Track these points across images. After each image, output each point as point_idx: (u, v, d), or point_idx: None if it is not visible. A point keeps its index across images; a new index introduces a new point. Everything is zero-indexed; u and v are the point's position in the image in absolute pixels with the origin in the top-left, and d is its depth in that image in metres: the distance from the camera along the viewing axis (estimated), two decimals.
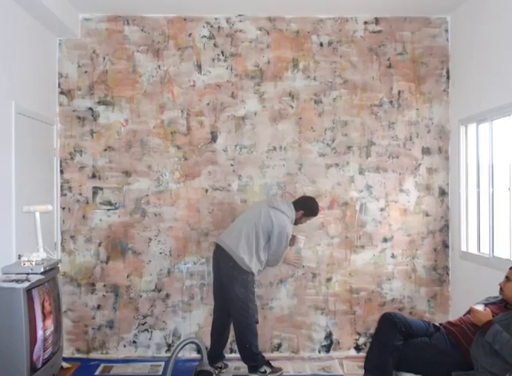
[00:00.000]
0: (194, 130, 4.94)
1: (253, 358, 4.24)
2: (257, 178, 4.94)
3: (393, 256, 4.95)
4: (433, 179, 4.99)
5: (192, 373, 2.68)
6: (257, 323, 4.27)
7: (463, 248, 4.70)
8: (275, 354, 4.90)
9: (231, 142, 4.94)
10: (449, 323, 3.56)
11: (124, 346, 4.90)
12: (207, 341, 4.85)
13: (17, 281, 3.23)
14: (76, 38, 4.90)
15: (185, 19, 4.95)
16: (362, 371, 3.50)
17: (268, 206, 4.30)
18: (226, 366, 4.52)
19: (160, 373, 4.51)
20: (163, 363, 4.71)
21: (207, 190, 4.93)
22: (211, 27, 4.95)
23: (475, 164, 4.57)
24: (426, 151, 4.99)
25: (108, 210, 4.90)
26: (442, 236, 4.98)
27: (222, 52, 4.95)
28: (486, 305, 3.33)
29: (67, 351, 4.81)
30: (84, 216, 4.89)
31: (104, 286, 4.89)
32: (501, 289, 3.33)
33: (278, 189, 4.94)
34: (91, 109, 4.92)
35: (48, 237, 4.39)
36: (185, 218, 4.91)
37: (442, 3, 4.69)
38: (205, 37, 4.95)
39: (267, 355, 4.86)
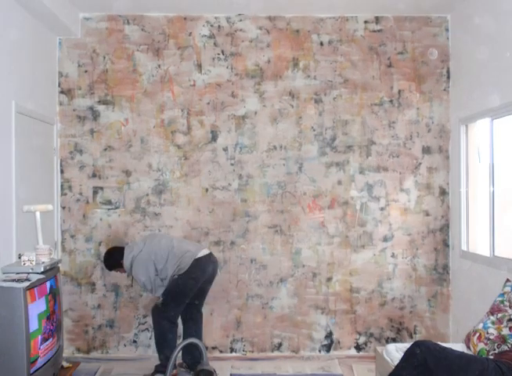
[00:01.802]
0: (194, 129, 4.94)
1: None
2: (258, 177, 4.94)
3: (393, 255, 4.95)
4: (433, 178, 4.98)
5: (192, 372, 2.68)
6: None
7: (464, 248, 4.70)
8: (276, 353, 4.90)
9: (231, 141, 4.94)
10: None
11: (125, 346, 4.90)
12: (206, 341, 4.86)
13: (17, 281, 3.23)
14: (76, 38, 4.90)
15: (185, 19, 4.95)
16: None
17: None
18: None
19: None
20: None
21: (207, 190, 4.93)
22: (211, 26, 4.95)
23: (475, 164, 4.56)
24: (426, 150, 4.98)
25: (108, 209, 4.90)
26: (443, 235, 4.97)
27: (222, 52, 4.95)
28: None
29: (68, 350, 4.81)
30: (84, 215, 4.90)
31: (104, 285, 4.89)
32: None
33: (278, 188, 4.94)
34: (91, 108, 4.92)
35: (48, 237, 4.39)
36: (186, 218, 4.91)
37: (443, 2, 4.68)
38: (205, 36, 4.95)
39: (267, 354, 4.88)
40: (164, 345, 4.18)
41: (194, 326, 4.46)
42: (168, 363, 2.46)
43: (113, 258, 4.21)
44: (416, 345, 3.16)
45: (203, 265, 4.27)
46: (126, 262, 4.23)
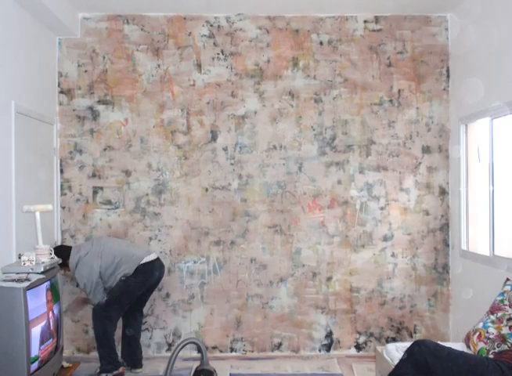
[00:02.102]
0: (194, 129, 4.94)
1: None
2: (257, 177, 4.94)
3: (393, 255, 4.95)
4: (433, 178, 4.98)
5: (192, 372, 2.68)
6: None
7: (464, 247, 4.70)
8: (276, 353, 4.91)
9: (231, 141, 4.94)
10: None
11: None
12: (206, 340, 4.87)
13: (17, 281, 3.23)
14: (76, 37, 4.90)
15: (184, 18, 4.94)
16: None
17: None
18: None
19: (161, 372, 4.51)
20: (163, 363, 4.71)
21: (207, 189, 4.93)
22: (211, 25, 4.95)
23: (475, 163, 4.56)
24: (426, 150, 4.98)
25: (108, 209, 4.90)
26: (443, 234, 4.97)
27: (222, 51, 4.95)
28: None
29: (68, 350, 4.81)
30: (84, 215, 4.89)
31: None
32: None
33: (278, 188, 4.94)
34: (91, 108, 4.92)
35: (48, 237, 4.39)
36: (185, 218, 4.91)
37: (442, 2, 4.68)
38: (205, 36, 4.95)
39: (267, 354, 4.88)
40: (106, 344, 4.18)
41: (135, 325, 4.52)
42: (168, 363, 2.46)
43: (59, 257, 4.07)
44: (416, 344, 3.15)
45: (150, 269, 4.33)
46: (72, 262, 4.21)
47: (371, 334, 4.94)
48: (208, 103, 4.94)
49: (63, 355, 4.11)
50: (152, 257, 4.38)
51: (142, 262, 4.27)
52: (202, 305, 4.92)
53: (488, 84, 4.23)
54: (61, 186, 4.90)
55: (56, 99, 4.91)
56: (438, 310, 4.96)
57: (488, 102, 4.19)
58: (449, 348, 3.11)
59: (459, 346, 3.48)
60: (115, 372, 4.19)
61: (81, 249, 4.28)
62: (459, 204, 4.77)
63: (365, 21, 4.97)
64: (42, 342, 3.42)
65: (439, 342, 3.25)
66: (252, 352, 4.91)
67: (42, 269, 3.48)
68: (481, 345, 3.33)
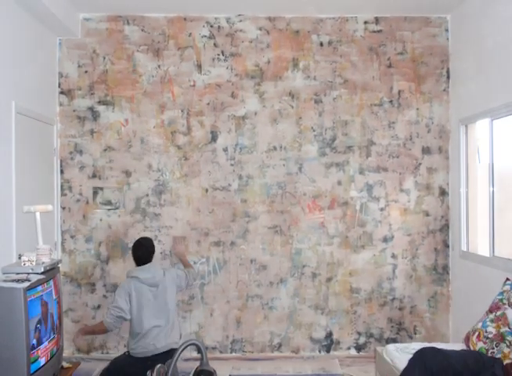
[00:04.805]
0: (194, 130, 4.94)
1: None
2: (258, 177, 4.94)
3: (393, 256, 4.95)
4: (433, 179, 4.99)
5: (192, 372, 2.67)
6: None
7: (463, 248, 4.70)
8: (276, 354, 4.91)
9: (231, 141, 4.94)
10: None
11: (124, 346, 4.89)
12: (206, 341, 4.87)
13: (17, 281, 3.23)
14: (76, 38, 4.90)
15: (185, 19, 4.95)
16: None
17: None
18: None
19: None
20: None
21: (207, 190, 4.93)
22: (211, 26, 4.95)
23: (475, 164, 4.57)
24: (426, 151, 4.99)
25: (108, 210, 4.90)
26: (442, 235, 4.98)
27: (222, 52, 4.95)
28: None
29: (68, 350, 4.82)
30: (84, 216, 4.90)
31: (104, 286, 4.89)
32: None
33: (278, 188, 4.94)
34: (91, 109, 4.92)
35: (48, 237, 4.39)
36: (186, 218, 4.92)
37: (442, 3, 4.69)
38: (205, 36, 4.95)
39: (267, 354, 4.88)
40: None
41: None
42: (169, 365, 2.45)
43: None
44: (423, 352, 3.13)
45: None
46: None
47: (371, 334, 4.94)
48: (208, 103, 4.94)
49: (63, 355, 4.11)
50: None
51: None
52: (202, 305, 4.92)
53: (488, 85, 4.24)
54: (61, 186, 4.90)
55: (57, 99, 4.91)
56: (438, 311, 4.96)
57: (488, 103, 4.19)
58: (455, 359, 3.10)
59: (458, 347, 3.49)
60: None
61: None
62: (459, 204, 4.77)
63: (365, 22, 4.98)
64: (42, 343, 3.42)
65: (442, 348, 3.23)
66: (252, 352, 4.91)
67: (42, 270, 3.47)
68: (480, 344, 3.34)
